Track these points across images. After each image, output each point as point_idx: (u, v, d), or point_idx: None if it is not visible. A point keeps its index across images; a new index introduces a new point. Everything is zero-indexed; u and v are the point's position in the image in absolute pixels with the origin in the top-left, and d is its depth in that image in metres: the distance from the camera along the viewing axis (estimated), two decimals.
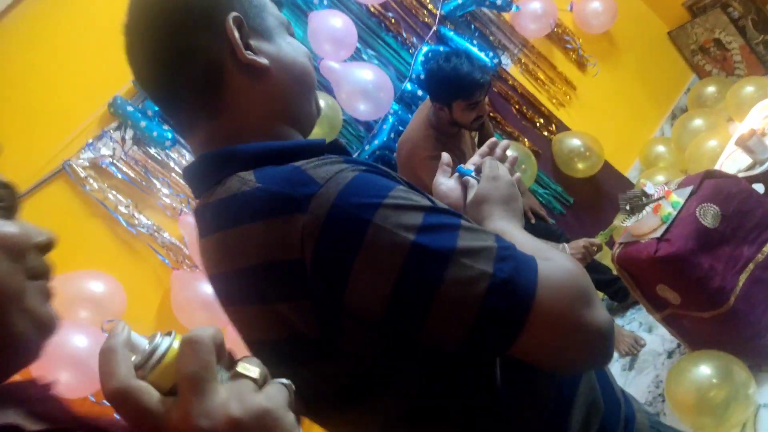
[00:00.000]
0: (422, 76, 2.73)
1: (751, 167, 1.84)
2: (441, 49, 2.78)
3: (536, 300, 0.56)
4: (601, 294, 2.63)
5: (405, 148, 2.14)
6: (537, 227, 2.38)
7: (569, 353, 0.60)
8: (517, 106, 2.97)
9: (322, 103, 2.48)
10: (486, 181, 0.81)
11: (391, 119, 2.66)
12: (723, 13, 2.94)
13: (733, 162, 1.92)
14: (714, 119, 2.77)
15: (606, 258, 2.73)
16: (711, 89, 2.98)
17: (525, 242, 0.68)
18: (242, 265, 0.61)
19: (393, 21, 2.81)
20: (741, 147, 1.83)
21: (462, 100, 1.92)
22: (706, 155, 2.56)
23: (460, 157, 2.14)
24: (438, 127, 2.05)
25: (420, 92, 2.74)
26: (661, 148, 3.00)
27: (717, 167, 1.95)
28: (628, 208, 1.83)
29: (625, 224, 1.84)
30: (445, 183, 0.90)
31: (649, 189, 1.80)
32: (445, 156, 0.95)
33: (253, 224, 0.60)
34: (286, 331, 0.61)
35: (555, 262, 0.62)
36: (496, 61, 2.84)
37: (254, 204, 0.60)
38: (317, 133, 2.50)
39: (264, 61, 0.69)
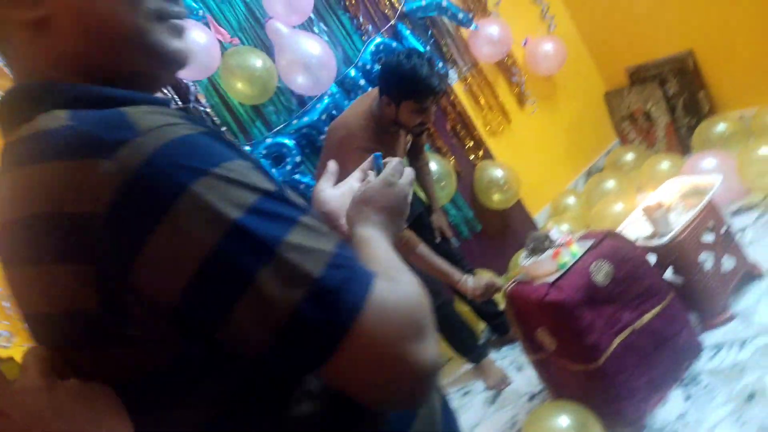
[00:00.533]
0: (368, 66, 2.66)
1: (650, 238, 1.92)
2: (393, 44, 2.72)
3: (359, 320, 0.49)
4: (483, 324, 2.68)
5: (339, 134, 2.05)
6: (439, 247, 2.36)
7: (382, 388, 0.52)
8: (452, 123, 2.97)
9: (258, 62, 2.35)
10: (379, 183, 0.73)
11: (326, 100, 2.57)
12: (659, 88, 3.09)
13: (635, 229, 2.00)
14: (625, 185, 2.91)
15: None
16: (629, 156, 3.13)
17: (384, 258, 0.61)
18: (25, 213, 0.51)
19: (354, 2, 2.72)
20: (646, 216, 1.91)
21: (413, 102, 1.86)
22: (610, 217, 2.68)
23: (392, 155, 2.08)
24: (379, 121, 1.99)
25: (362, 82, 2.66)
26: (571, 200, 3.11)
27: (619, 230, 2.02)
28: (531, 247, 1.86)
29: (523, 263, 1.87)
30: (327, 190, 0.82)
31: (554, 234, 1.83)
32: (332, 165, 0.88)
33: (47, 164, 0.50)
34: (64, 303, 0.51)
35: (399, 284, 0.55)
36: (443, 72, 2.82)
37: (56, 141, 0.50)
38: (244, 91, 2.35)
39: None
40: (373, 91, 2.05)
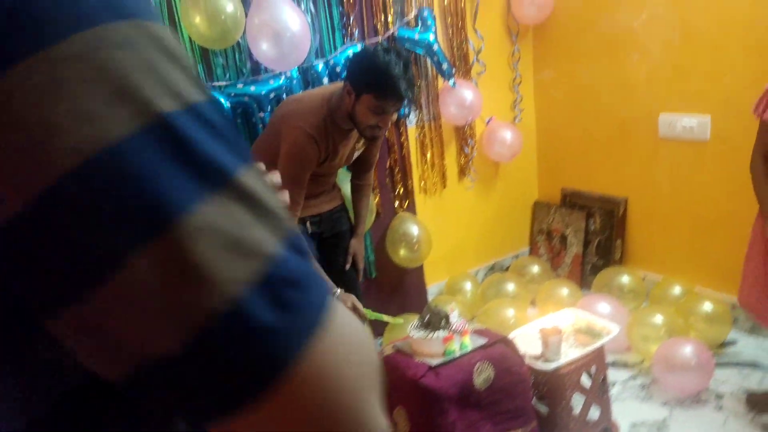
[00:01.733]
0: (337, 68, 2.48)
1: (536, 358, 1.85)
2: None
3: (316, 343, 0.30)
4: None
5: (289, 107, 1.91)
6: (345, 273, 2.19)
7: None
8: (392, 163, 2.84)
9: (230, 6, 2.09)
10: None
11: (281, 81, 2.34)
12: (584, 219, 3.17)
13: (527, 342, 1.93)
14: (522, 294, 2.90)
15: None
16: (535, 269, 3.15)
17: None
18: None
19: (352, 1, 2.55)
20: (541, 337, 1.84)
21: (373, 97, 1.73)
22: (497, 317, 2.63)
23: (331, 155, 1.90)
24: (334, 111, 1.84)
25: (326, 80, 2.46)
26: (468, 285, 3.06)
27: (512, 335, 1.94)
28: (426, 320, 1.71)
29: (411, 333, 1.72)
30: None
31: (453, 317, 1.71)
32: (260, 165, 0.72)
33: None
34: None
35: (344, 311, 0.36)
36: (406, 111, 2.69)
37: None
38: (200, 27, 2.07)
39: None
40: (339, 83, 1.91)
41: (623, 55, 2.81)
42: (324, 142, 1.82)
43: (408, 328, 1.75)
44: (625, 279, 2.79)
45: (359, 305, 1.88)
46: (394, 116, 1.94)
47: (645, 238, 2.98)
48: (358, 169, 2.22)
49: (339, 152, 1.94)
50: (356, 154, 2.09)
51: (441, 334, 1.67)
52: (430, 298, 3.13)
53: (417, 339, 1.69)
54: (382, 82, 1.71)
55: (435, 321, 1.69)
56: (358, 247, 2.26)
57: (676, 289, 2.67)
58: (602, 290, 2.81)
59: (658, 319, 2.38)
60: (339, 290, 1.89)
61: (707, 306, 2.47)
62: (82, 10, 0.28)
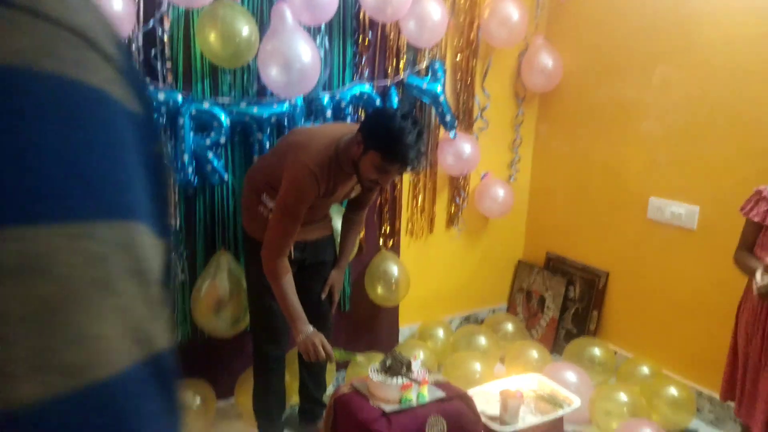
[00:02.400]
0: (342, 103, 2.53)
1: (493, 419, 1.84)
2: (377, 101, 2.61)
3: None
4: (297, 397, 2.45)
5: (300, 138, 1.97)
6: (320, 304, 2.19)
7: None
8: (382, 201, 2.87)
9: (245, 29, 2.14)
10: None
11: (285, 107, 2.38)
12: (564, 286, 3.18)
13: (487, 401, 1.92)
14: (492, 350, 2.89)
15: (331, 375, 2.60)
16: (509, 326, 3.15)
17: None
18: None
19: (367, 43, 2.61)
20: (501, 399, 1.83)
21: (380, 156, 1.76)
22: (464, 369, 2.62)
23: (329, 193, 1.93)
24: (341, 154, 1.89)
25: (329, 113, 2.51)
26: (441, 333, 3.04)
27: (471, 392, 1.92)
28: (387, 365, 1.71)
29: (371, 375, 1.71)
30: None
31: (415, 366, 1.70)
32: None
33: None
34: None
35: None
36: (422, 152, 2.73)
37: None
38: (214, 45, 2.12)
39: None
40: (351, 126, 1.97)
41: (622, 134, 2.88)
42: (325, 181, 1.87)
43: (369, 370, 1.74)
44: (596, 351, 2.78)
45: (327, 345, 1.87)
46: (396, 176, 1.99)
47: (621, 314, 2.99)
48: (353, 205, 2.27)
49: (337, 191, 1.98)
50: (353, 194, 2.13)
51: (400, 381, 1.66)
52: (401, 339, 3.12)
53: (375, 382, 1.68)
54: (392, 146, 1.74)
55: (396, 367, 1.68)
56: (337, 279, 2.27)
57: (645, 369, 2.66)
58: (573, 359, 2.80)
59: (623, 396, 2.37)
60: (311, 328, 1.88)
61: (673, 390, 2.46)
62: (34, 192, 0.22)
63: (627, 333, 2.96)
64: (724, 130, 2.43)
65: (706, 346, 2.58)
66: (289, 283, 1.87)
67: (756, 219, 1.79)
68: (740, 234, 1.91)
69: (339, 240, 2.33)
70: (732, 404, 2.08)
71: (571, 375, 2.49)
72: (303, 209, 1.85)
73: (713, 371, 2.55)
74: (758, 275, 1.66)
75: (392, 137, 1.72)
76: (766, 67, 2.25)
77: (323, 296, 2.21)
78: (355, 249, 2.69)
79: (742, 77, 2.34)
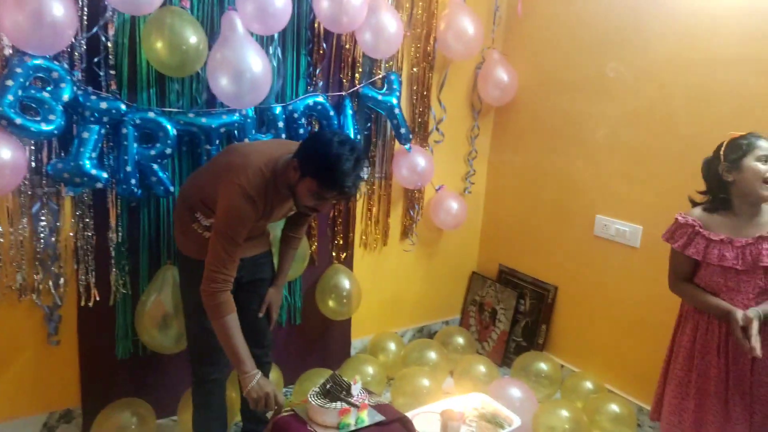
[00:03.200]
0: (295, 114, 2.49)
1: None
2: (331, 113, 2.59)
3: None
4: (239, 417, 2.40)
5: (235, 159, 1.85)
6: (257, 321, 2.14)
7: None
8: (336, 213, 2.85)
9: (194, 38, 2.08)
10: None
11: (236, 117, 2.33)
12: (515, 299, 3.22)
13: (429, 423, 1.92)
14: (442, 365, 2.90)
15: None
16: (460, 340, 3.17)
17: None
18: None
19: (321, 52, 2.58)
20: (442, 420, 1.84)
21: (316, 184, 1.71)
22: (413, 385, 2.62)
23: (268, 214, 1.88)
24: (278, 176, 1.82)
25: (281, 124, 2.47)
26: (392, 346, 3.04)
27: (413, 413, 1.92)
28: (327, 388, 1.69)
29: (311, 398, 1.69)
30: None
31: (354, 390, 1.69)
32: None
33: None
34: None
35: None
36: (362, 178, 2.71)
37: None
38: (161, 54, 2.05)
39: None
40: (293, 145, 1.88)
41: (571, 151, 2.93)
42: (262, 202, 1.80)
43: (308, 394, 1.72)
44: (543, 366, 2.82)
45: (279, 395, 1.74)
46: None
47: (568, 328, 3.04)
48: (292, 223, 2.21)
49: (274, 213, 1.92)
50: (291, 213, 2.08)
51: (339, 405, 1.64)
52: (353, 352, 3.10)
53: (314, 406, 1.66)
54: (328, 174, 1.68)
55: (335, 391, 1.67)
56: (275, 296, 2.21)
57: (588, 384, 2.72)
58: (521, 372, 2.84)
59: (564, 413, 2.41)
60: (258, 373, 1.77)
61: (614, 407, 2.52)
62: None
63: (573, 347, 3.01)
64: (669, 149, 2.49)
65: (646, 361, 2.64)
66: (232, 322, 1.76)
67: (695, 257, 1.79)
68: (670, 263, 1.91)
69: (277, 257, 2.28)
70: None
71: (515, 391, 2.52)
72: (242, 234, 1.78)
73: (654, 387, 2.62)
74: (740, 318, 1.63)
75: (329, 164, 1.67)
76: (715, 89, 2.31)
77: (260, 315, 2.15)
78: (306, 261, 2.67)
79: (691, 98, 2.39)
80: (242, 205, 1.75)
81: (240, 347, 1.76)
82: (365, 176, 2.86)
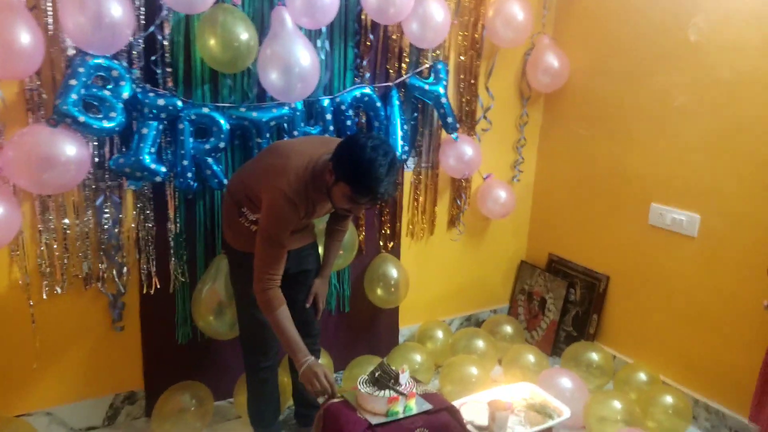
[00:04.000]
0: (343, 106, 2.52)
1: (483, 429, 1.85)
2: (378, 104, 2.60)
3: None
4: (291, 401, 2.48)
5: (277, 161, 1.89)
6: (304, 312, 2.20)
7: None
8: (383, 203, 2.87)
9: (245, 35, 2.13)
10: None
11: (285, 110, 2.38)
12: (565, 288, 3.17)
13: (476, 412, 1.93)
14: (490, 353, 2.90)
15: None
16: (508, 328, 3.15)
17: None
18: None
19: (368, 44, 2.60)
20: (489, 410, 1.85)
21: (349, 188, 1.73)
22: (460, 373, 2.64)
23: (311, 213, 1.93)
24: (317, 176, 1.85)
25: (329, 116, 2.51)
26: (440, 334, 3.06)
27: (461, 402, 1.94)
28: (376, 376, 1.73)
29: (359, 387, 1.73)
30: None
31: (402, 378, 1.72)
32: None
33: None
34: None
35: None
36: (405, 157, 2.73)
37: None
38: (213, 50, 2.11)
39: None
40: (333, 142, 1.89)
41: (625, 139, 2.84)
42: (303, 204, 1.84)
43: (357, 381, 1.76)
44: (594, 356, 2.78)
45: (329, 376, 1.82)
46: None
47: (620, 319, 2.98)
48: (338, 216, 2.24)
49: (317, 211, 1.96)
50: (334, 210, 2.11)
51: (387, 393, 1.68)
52: (401, 339, 3.14)
53: (363, 394, 1.70)
54: (361, 179, 1.69)
55: (384, 380, 1.70)
56: (321, 288, 2.26)
57: (642, 375, 2.66)
58: (570, 363, 2.80)
59: (617, 404, 2.37)
60: (311, 358, 1.84)
61: (669, 398, 2.46)
62: None
63: (626, 338, 2.95)
64: (727, 137, 2.39)
65: (703, 354, 2.57)
66: (284, 314, 1.83)
67: None
68: None
69: (323, 248, 2.33)
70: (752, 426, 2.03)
71: (565, 381, 2.49)
72: (286, 236, 1.83)
73: (711, 379, 2.55)
74: None
75: (362, 170, 1.67)
76: None
77: (307, 305, 2.20)
78: (355, 251, 2.71)
79: (747, 85, 2.29)
80: (284, 209, 1.79)
81: (293, 337, 1.83)
82: (398, 184, 2.85)
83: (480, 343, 2.91)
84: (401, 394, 1.68)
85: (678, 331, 2.68)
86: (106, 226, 2.24)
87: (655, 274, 2.76)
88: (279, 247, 1.83)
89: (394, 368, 1.74)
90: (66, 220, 2.17)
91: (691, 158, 2.54)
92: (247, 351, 2.18)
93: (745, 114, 2.32)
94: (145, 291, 2.36)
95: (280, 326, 1.83)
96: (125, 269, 2.31)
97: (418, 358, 2.77)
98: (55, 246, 2.17)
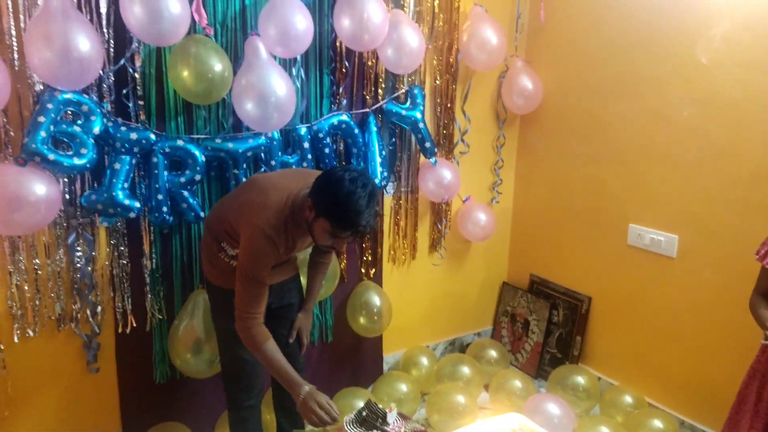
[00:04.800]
0: (320, 134, 2.50)
1: None
2: (356, 131, 2.59)
3: None
4: None
5: (256, 198, 1.84)
6: (288, 346, 2.15)
7: None
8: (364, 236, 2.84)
9: (219, 66, 2.09)
10: None
11: (262, 140, 2.34)
12: (548, 309, 3.17)
13: None
14: (476, 380, 2.87)
15: None
16: (493, 353, 3.13)
17: None
18: None
19: (344, 71, 2.59)
20: None
21: (330, 224, 1.70)
22: (448, 401, 2.60)
23: (291, 249, 1.90)
24: (297, 212, 1.82)
25: (306, 144, 2.48)
26: (425, 360, 3.02)
27: None
28: (363, 416, 1.68)
29: (346, 428, 1.68)
30: None
31: (390, 417, 1.68)
32: None
33: None
34: None
35: None
36: (384, 183, 2.71)
37: None
38: (187, 82, 2.07)
39: None
40: (312, 176, 1.85)
41: (601, 158, 2.87)
42: (283, 240, 1.80)
43: (344, 421, 1.71)
44: (580, 379, 2.77)
45: (330, 403, 1.77)
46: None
47: (604, 340, 2.98)
48: (319, 249, 2.20)
49: (297, 246, 1.92)
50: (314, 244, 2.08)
51: None
52: (386, 367, 3.09)
53: None
54: (341, 214, 1.66)
55: (371, 419, 1.66)
56: (305, 322, 2.22)
57: (628, 398, 2.65)
58: (557, 386, 2.79)
59: (605, 430, 2.36)
60: (307, 387, 1.80)
61: (656, 422, 2.45)
62: None
63: (611, 359, 2.95)
64: (703, 156, 2.42)
65: (687, 373, 2.57)
66: (271, 348, 1.80)
67: None
68: (756, 280, 1.85)
69: (306, 279, 2.29)
70: None
71: (553, 407, 2.47)
72: (266, 273, 1.80)
73: (695, 400, 2.56)
74: None
75: (341, 204, 1.64)
76: (748, 95, 2.24)
77: (290, 340, 2.16)
78: (336, 279, 2.67)
79: (723, 104, 2.32)
80: (263, 247, 1.76)
81: (285, 369, 1.81)
82: (378, 215, 2.83)
83: (465, 370, 2.88)
84: None
85: (661, 351, 2.68)
86: (78, 265, 2.16)
87: (637, 294, 2.77)
88: (259, 285, 1.79)
89: (381, 407, 1.69)
90: (37, 260, 2.09)
91: (668, 178, 2.56)
92: (229, 388, 2.12)
93: (721, 134, 2.35)
94: (120, 330, 2.28)
95: (270, 360, 1.80)
96: (99, 308, 2.23)
97: (403, 387, 2.73)
98: (26, 287, 2.09)
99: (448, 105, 3.01)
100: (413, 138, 2.87)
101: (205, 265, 2.06)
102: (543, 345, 3.19)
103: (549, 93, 3.11)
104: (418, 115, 2.75)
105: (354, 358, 2.96)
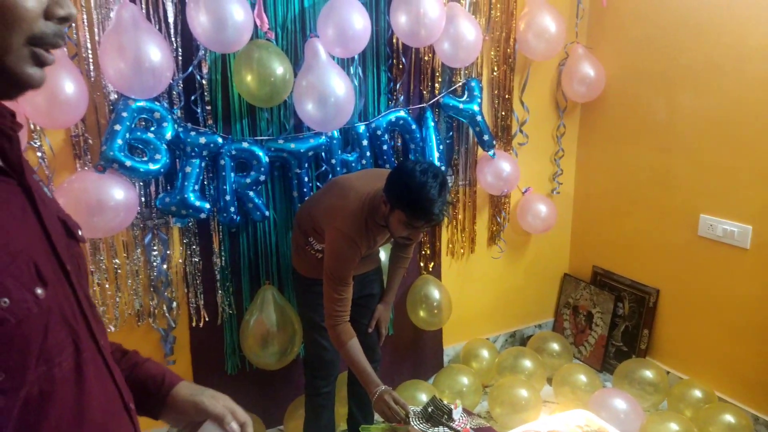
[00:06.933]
0: (378, 131, 2.52)
1: None
2: (413, 126, 2.60)
3: None
4: (345, 424, 2.49)
5: (337, 202, 1.97)
6: (367, 337, 2.24)
7: None
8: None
9: (280, 69, 2.15)
10: None
11: (322, 139, 2.39)
12: (613, 302, 3.10)
13: None
14: (538, 373, 2.85)
15: None
16: (555, 345, 3.09)
17: None
18: None
19: (401, 67, 2.60)
20: None
21: (405, 215, 1.77)
22: (510, 395, 2.60)
23: (372, 246, 1.99)
24: (374, 211, 1.91)
25: (365, 142, 2.51)
26: (485, 353, 3.02)
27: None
28: (429, 412, 1.71)
29: (412, 423, 1.72)
30: None
31: (456, 414, 1.70)
32: None
33: None
34: None
35: None
36: (449, 201, 2.70)
37: None
38: (250, 86, 2.14)
39: None
40: (384, 172, 1.95)
41: (670, 147, 2.76)
42: (364, 241, 1.90)
43: (410, 417, 1.75)
44: (648, 373, 2.70)
45: (399, 400, 1.83)
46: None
47: (673, 334, 2.89)
48: (401, 243, 2.27)
49: (378, 242, 2.01)
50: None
51: (441, 430, 1.66)
52: (446, 360, 3.12)
53: (417, 431, 1.69)
54: (415, 204, 1.72)
55: (437, 416, 1.69)
56: (384, 313, 2.31)
57: (698, 393, 2.57)
58: (623, 380, 2.74)
59: (673, 426, 2.30)
60: (381, 387, 1.86)
61: (729, 416, 2.38)
62: None
63: (679, 353, 2.86)
64: None
65: (760, 369, 2.47)
66: (354, 347, 1.90)
67: None
68: None
69: (387, 273, 2.36)
70: None
71: (620, 402, 2.43)
72: (350, 273, 1.90)
73: None
74: None
75: (414, 195, 1.71)
76: None
77: (370, 330, 2.25)
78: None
79: None
80: (345, 249, 1.86)
81: (364, 368, 1.90)
82: (450, 204, 2.88)
83: (527, 363, 2.86)
84: (455, 430, 1.66)
85: (733, 345, 2.58)
86: (154, 263, 2.29)
87: (708, 286, 2.67)
88: (344, 285, 1.90)
89: (446, 402, 1.72)
90: (116, 260, 2.23)
91: (743, 165, 2.45)
92: (310, 374, 2.25)
93: None
94: (194, 324, 2.40)
95: (352, 358, 1.91)
96: (175, 304, 2.36)
97: (465, 380, 2.75)
98: (107, 285, 2.23)
99: (506, 96, 2.97)
100: (471, 131, 2.85)
101: (293, 255, 2.21)
102: (608, 338, 3.13)
103: (612, 80, 3.02)
104: (476, 108, 2.73)
105: (415, 351, 2.99)
